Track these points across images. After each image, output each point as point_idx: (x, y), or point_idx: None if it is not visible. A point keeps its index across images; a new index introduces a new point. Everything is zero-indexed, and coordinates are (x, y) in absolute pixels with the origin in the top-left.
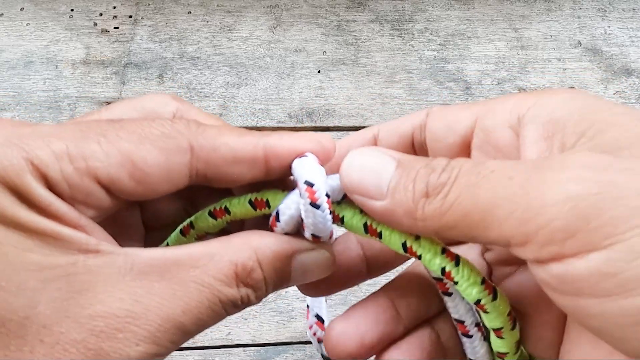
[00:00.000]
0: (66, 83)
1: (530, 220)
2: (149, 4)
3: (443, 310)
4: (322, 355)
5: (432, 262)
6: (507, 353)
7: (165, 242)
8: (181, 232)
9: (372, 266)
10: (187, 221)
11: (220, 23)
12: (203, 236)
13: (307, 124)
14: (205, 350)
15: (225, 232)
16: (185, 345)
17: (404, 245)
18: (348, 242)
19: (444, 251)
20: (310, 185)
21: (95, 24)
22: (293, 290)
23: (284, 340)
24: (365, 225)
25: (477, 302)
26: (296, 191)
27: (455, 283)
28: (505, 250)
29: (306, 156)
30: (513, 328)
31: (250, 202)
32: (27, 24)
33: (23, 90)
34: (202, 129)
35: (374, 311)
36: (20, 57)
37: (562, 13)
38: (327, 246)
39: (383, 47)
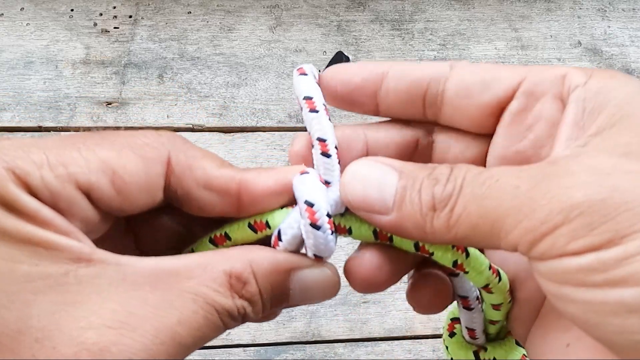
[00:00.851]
0: (66, 83)
1: (537, 229)
2: (149, 4)
3: None
4: None
5: (444, 258)
6: (499, 321)
7: None
8: None
9: None
10: (189, 249)
11: (220, 23)
12: None
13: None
14: (205, 350)
15: None
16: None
17: (416, 245)
18: None
19: (454, 246)
20: (311, 205)
21: (95, 24)
22: None
23: (284, 340)
24: (375, 232)
25: (485, 286)
26: (297, 209)
27: (466, 272)
28: None
29: (307, 172)
30: (510, 302)
31: (249, 225)
32: (27, 24)
33: (23, 90)
34: (187, 147)
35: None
36: (20, 57)
37: (562, 13)
38: (330, 266)
39: (383, 47)
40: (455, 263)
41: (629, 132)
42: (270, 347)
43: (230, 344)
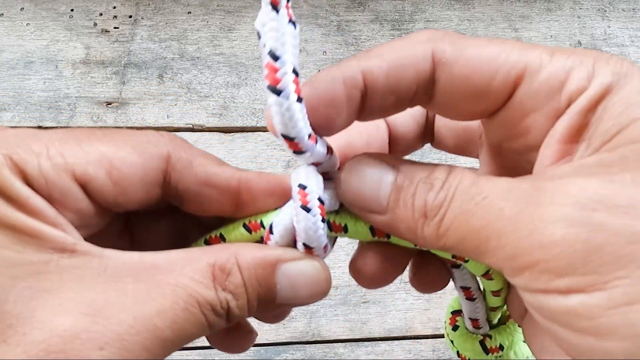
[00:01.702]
0: (66, 83)
1: (518, 258)
2: (149, 4)
3: None
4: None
5: (444, 252)
6: (500, 307)
7: None
8: None
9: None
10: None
11: (220, 23)
12: None
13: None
14: (205, 350)
15: None
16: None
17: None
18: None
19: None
20: (303, 187)
21: (95, 24)
22: None
23: (284, 340)
24: (371, 229)
25: (485, 274)
26: (290, 203)
27: (466, 262)
28: None
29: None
30: (508, 286)
31: (244, 225)
32: (27, 24)
33: (23, 90)
34: (188, 146)
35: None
36: (20, 57)
37: (562, 13)
38: (320, 260)
39: None
40: (454, 255)
41: (633, 157)
42: (270, 347)
43: None
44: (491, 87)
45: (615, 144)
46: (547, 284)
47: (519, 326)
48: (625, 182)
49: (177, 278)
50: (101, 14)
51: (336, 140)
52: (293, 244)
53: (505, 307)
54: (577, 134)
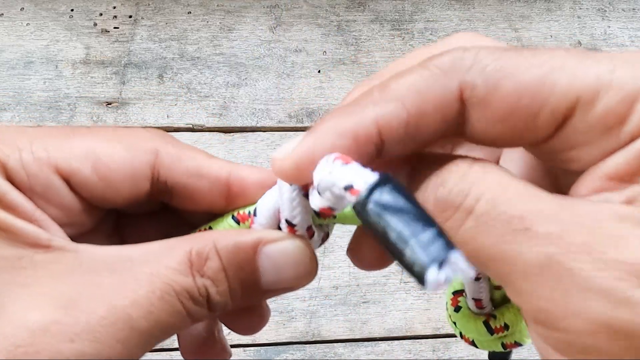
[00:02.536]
0: (66, 83)
1: (545, 317)
2: (149, 4)
3: None
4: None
5: None
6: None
7: None
8: None
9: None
10: None
11: (220, 23)
12: None
13: (307, 124)
14: None
15: None
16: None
17: None
18: None
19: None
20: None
21: (95, 24)
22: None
23: (284, 340)
24: None
25: None
26: (276, 185)
27: None
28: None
29: None
30: None
31: (233, 217)
32: (27, 24)
33: (23, 90)
34: (176, 141)
35: None
36: (20, 57)
37: (562, 13)
38: (303, 238)
39: (383, 47)
40: None
41: None
42: (270, 347)
43: (230, 344)
44: (534, 125)
45: None
46: (567, 353)
47: None
48: None
49: (153, 267)
50: (101, 14)
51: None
52: (278, 227)
53: None
54: (633, 175)
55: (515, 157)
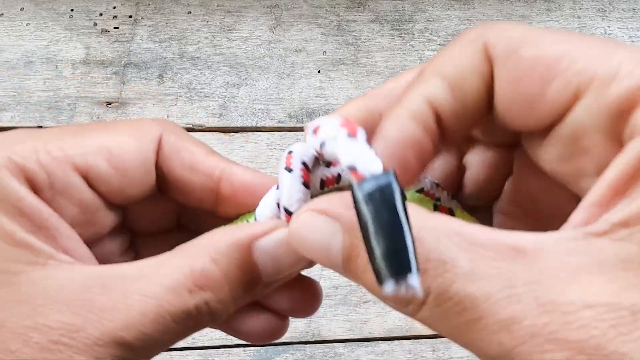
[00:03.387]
0: (66, 83)
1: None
2: (149, 4)
3: None
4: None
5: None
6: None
7: None
8: None
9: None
10: None
11: (220, 23)
12: None
13: (307, 124)
14: (205, 350)
15: None
16: (185, 345)
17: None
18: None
19: (436, 207)
20: (290, 152)
21: (95, 24)
22: None
23: (284, 340)
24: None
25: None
26: (274, 187)
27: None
28: None
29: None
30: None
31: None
32: (27, 24)
33: (23, 90)
34: (180, 131)
35: None
36: (20, 57)
37: (562, 13)
38: None
39: (383, 47)
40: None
41: None
42: (270, 347)
43: (230, 344)
44: (545, 97)
45: None
46: None
47: None
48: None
49: (146, 287)
50: (101, 14)
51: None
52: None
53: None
54: (628, 183)
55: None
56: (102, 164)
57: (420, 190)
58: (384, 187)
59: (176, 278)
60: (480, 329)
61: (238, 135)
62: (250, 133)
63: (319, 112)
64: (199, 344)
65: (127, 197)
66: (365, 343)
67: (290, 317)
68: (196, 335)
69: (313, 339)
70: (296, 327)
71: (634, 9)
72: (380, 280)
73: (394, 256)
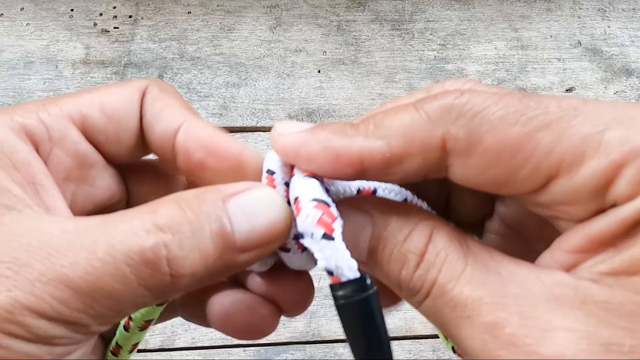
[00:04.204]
0: (66, 83)
1: None
2: (149, 4)
3: None
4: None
5: None
6: None
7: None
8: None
9: None
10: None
11: (220, 23)
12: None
13: None
14: (205, 350)
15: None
16: (185, 345)
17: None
18: None
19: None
20: (272, 173)
21: (95, 24)
22: None
23: (284, 340)
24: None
25: None
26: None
27: None
28: None
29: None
30: None
31: None
32: (27, 24)
33: (23, 90)
34: (166, 87)
35: None
36: (20, 57)
37: (562, 13)
38: (269, 188)
39: (383, 47)
40: None
41: None
42: (270, 347)
43: (230, 344)
44: (516, 180)
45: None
46: None
47: None
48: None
49: (104, 229)
50: (101, 14)
51: None
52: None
53: None
54: (612, 240)
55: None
56: (95, 113)
57: (404, 201)
58: (360, 292)
59: (135, 219)
60: (468, 326)
61: (238, 135)
62: (250, 133)
63: (319, 112)
64: (199, 344)
65: (125, 147)
66: None
67: (289, 318)
68: (196, 335)
69: (313, 339)
70: (296, 327)
71: (634, 9)
72: None
73: (371, 354)
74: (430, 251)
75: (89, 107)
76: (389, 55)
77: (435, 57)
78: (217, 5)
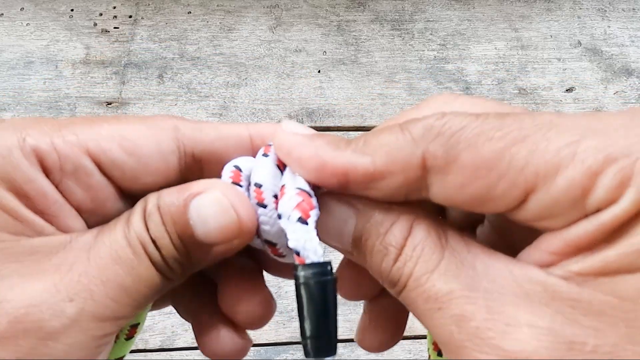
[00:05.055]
0: (66, 83)
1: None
2: (149, 4)
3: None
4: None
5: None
6: None
7: None
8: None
9: None
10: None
11: (220, 23)
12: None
13: (307, 124)
14: None
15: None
16: (185, 345)
17: None
18: None
19: None
20: (259, 185)
21: (95, 24)
22: (293, 290)
23: (284, 340)
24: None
25: None
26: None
27: None
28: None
29: (267, 156)
30: None
31: None
32: (27, 24)
33: (23, 90)
34: (192, 120)
35: None
36: (20, 57)
37: (562, 13)
38: (231, 187)
39: (383, 47)
40: None
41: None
42: (270, 347)
43: None
44: (494, 196)
45: (618, 289)
46: None
47: None
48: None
49: (120, 223)
50: (101, 14)
51: None
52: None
53: None
54: (591, 245)
55: None
56: (115, 149)
57: None
58: (320, 276)
59: (139, 214)
60: (439, 317)
61: None
62: None
63: (319, 111)
64: None
65: (142, 185)
66: None
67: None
68: None
69: None
70: (296, 327)
71: (634, 9)
72: (306, 354)
73: (320, 338)
74: (409, 245)
75: (108, 141)
76: (389, 55)
77: (435, 57)
78: (217, 5)
